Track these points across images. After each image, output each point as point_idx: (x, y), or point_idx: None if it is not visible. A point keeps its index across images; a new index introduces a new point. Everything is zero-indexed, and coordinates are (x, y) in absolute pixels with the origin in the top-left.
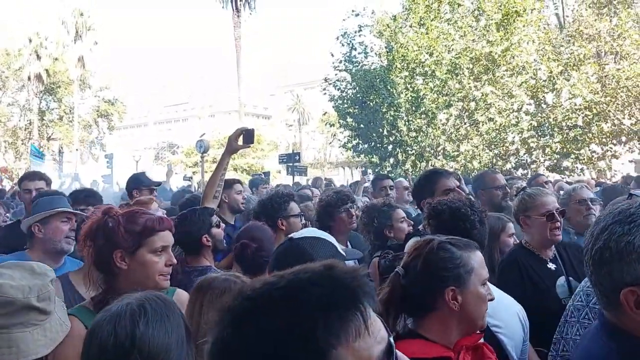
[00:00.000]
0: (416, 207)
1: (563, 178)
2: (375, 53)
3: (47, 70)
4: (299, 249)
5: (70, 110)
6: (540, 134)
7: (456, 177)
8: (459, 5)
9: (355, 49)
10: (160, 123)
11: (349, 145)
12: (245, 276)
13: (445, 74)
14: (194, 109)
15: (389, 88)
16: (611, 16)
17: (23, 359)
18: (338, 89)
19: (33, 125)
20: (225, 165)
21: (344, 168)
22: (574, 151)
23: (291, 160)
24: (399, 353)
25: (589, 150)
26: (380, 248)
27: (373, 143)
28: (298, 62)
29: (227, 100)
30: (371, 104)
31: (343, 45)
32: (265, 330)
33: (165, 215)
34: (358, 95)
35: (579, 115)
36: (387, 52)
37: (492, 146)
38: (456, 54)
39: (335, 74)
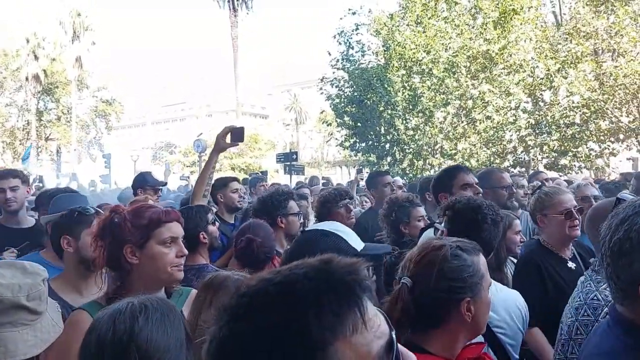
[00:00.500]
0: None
1: (561, 176)
2: (373, 52)
3: (44, 71)
4: (307, 240)
5: (68, 111)
6: (537, 131)
7: None
8: (456, 3)
9: (353, 48)
10: (158, 123)
11: (346, 144)
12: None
13: (443, 72)
14: (191, 108)
15: (386, 86)
16: (608, 14)
17: (10, 359)
18: (335, 87)
19: (31, 126)
20: (214, 163)
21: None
22: (572, 149)
23: (288, 159)
24: (402, 348)
25: (587, 148)
26: (394, 242)
27: (370, 142)
28: (296, 63)
29: (224, 100)
30: (368, 102)
31: (340, 44)
32: (262, 327)
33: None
34: (355, 94)
35: (576, 113)
36: (384, 50)
37: (490, 144)
38: (453, 52)
39: (333, 72)
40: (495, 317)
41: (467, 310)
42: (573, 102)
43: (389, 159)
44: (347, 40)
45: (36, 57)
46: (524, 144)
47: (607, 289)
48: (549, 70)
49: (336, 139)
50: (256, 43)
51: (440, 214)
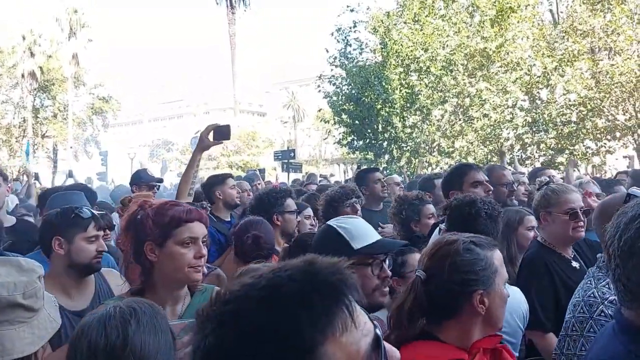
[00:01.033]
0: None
1: (558, 173)
2: (370, 49)
3: (41, 68)
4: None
5: (64, 108)
6: (534, 129)
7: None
8: (453, 1)
9: (350, 45)
10: (155, 120)
11: (344, 141)
12: None
13: (440, 70)
14: (189, 106)
15: (384, 84)
16: (605, 12)
17: (7, 357)
18: (333, 85)
19: (27, 123)
20: (198, 162)
21: (339, 165)
22: (569, 147)
23: (286, 157)
24: (387, 345)
25: (584, 146)
26: (406, 240)
27: (368, 139)
28: (296, 63)
29: (223, 99)
30: (366, 100)
31: (338, 41)
32: (248, 333)
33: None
34: (353, 92)
35: (573, 111)
36: (382, 48)
37: (487, 142)
38: (451, 50)
39: (331, 70)
40: None
41: (480, 302)
42: (570, 100)
43: (386, 156)
44: (345, 37)
45: (32, 54)
46: (521, 142)
47: (606, 286)
48: (545, 68)
49: (334, 136)
50: (256, 43)
51: (441, 213)
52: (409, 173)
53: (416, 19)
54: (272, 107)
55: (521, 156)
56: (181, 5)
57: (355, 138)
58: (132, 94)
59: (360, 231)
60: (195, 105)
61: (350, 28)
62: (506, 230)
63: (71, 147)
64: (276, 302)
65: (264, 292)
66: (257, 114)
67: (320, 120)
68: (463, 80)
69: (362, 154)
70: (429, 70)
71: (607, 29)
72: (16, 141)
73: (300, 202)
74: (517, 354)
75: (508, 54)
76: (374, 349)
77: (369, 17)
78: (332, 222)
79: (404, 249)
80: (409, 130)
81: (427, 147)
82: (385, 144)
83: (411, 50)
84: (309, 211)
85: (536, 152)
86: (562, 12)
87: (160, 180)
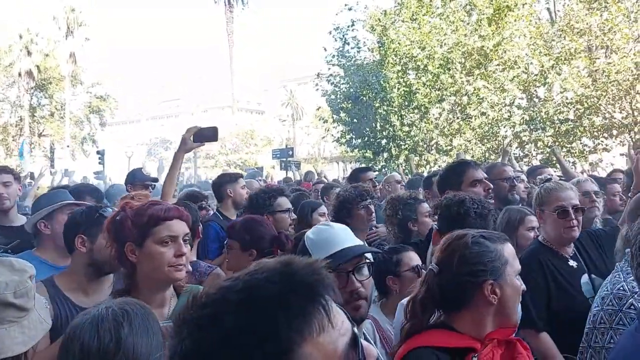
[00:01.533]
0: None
1: (555, 171)
2: (368, 48)
3: (38, 67)
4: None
5: (61, 107)
6: (532, 128)
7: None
8: (451, 0)
9: (348, 44)
10: (153, 119)
11: (343, 140)
12: None
13: (438, 68)
14: (187, 105)
15: (382, 83)
16: (602, 10)
17: None
18: (331, 84)
19: (24, 122)
20: (180, 163)
21: (337, 163)
22: (566, 145)
23: (285, 155)
24: (365, 343)
25: (581, 143)
26: (403, 242)
27: (366, 138)
28: (296, 63)
29: (222, 98)
30: (364, 98)
31: (336, 40)
32: (226, 336)
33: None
34: (351, 90)
35: (570, 109)
36: (380, 46)
37: (485, 140)
38: (448, 49)
39: (329, 69)
40: None
41: (492, 292)
42: (567, 99)
43: (385, 154)
44: (343, 36)
45: (29, 53)
46: (519, 140)
47: (635, 280)
48: (543, 66)
49: (332, 135)
50: (256, 43)
51: (432, 212)
52: (406, 172)
53: (414, 17)
54: (271, 105)
55: (519, 154)
56: (181, 6)
57: (354, 136)
58: (132, 94)
59: (323, 241)
60: (194, 105)
61: (348, 27)
62: (506, 229)
63: (68, 146)
64: (254, 305)
65: (242, 295)
66: (255, 112)
67: (319, 119)
68: (461, 78)
69: (360, 152)
70: (426, 68)
71: (604, 27)
72: (13, 140)
73: (314, 200)
74: None
75: (505, 52)
76: (352, 348)
77: (366, 15)
78: (308, 231)
79: (398, 248)
80: (407, 128)
81: (425, 145)
82: (383, 142)
83: (409, 49)
84: (323, 209)
85: (534, 150)
86: (559, 11)
87: (156, 180)
